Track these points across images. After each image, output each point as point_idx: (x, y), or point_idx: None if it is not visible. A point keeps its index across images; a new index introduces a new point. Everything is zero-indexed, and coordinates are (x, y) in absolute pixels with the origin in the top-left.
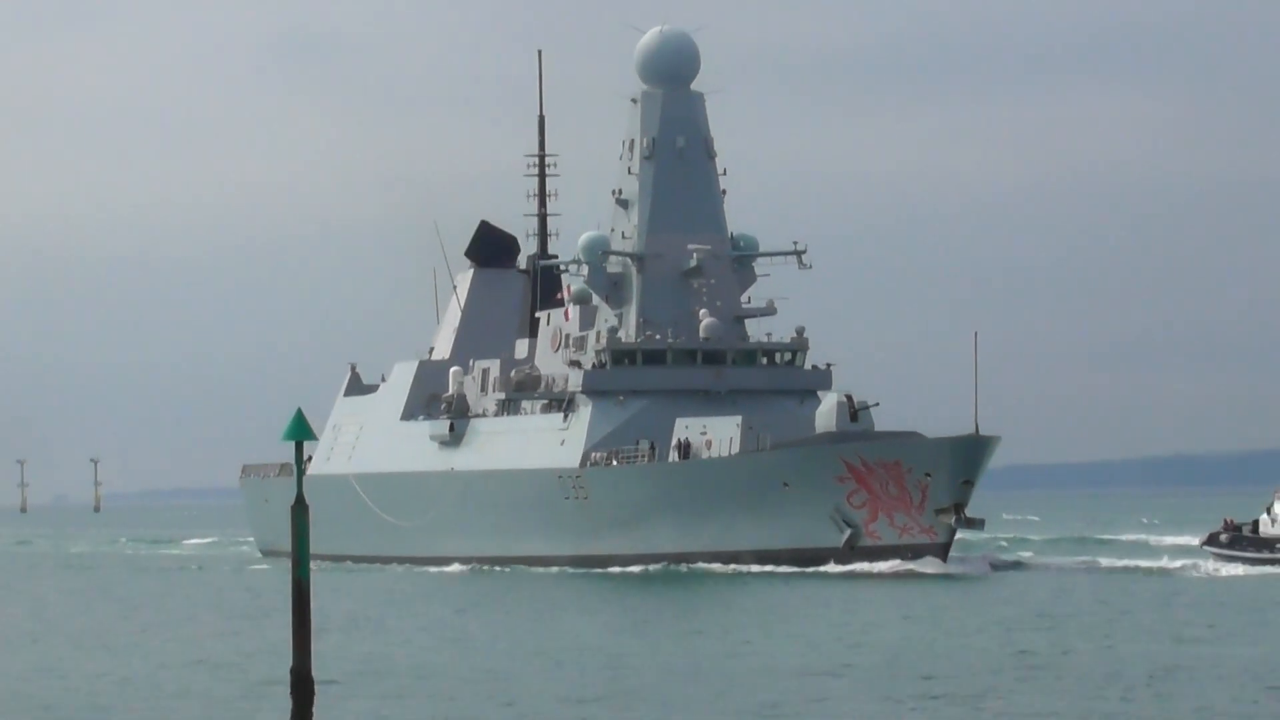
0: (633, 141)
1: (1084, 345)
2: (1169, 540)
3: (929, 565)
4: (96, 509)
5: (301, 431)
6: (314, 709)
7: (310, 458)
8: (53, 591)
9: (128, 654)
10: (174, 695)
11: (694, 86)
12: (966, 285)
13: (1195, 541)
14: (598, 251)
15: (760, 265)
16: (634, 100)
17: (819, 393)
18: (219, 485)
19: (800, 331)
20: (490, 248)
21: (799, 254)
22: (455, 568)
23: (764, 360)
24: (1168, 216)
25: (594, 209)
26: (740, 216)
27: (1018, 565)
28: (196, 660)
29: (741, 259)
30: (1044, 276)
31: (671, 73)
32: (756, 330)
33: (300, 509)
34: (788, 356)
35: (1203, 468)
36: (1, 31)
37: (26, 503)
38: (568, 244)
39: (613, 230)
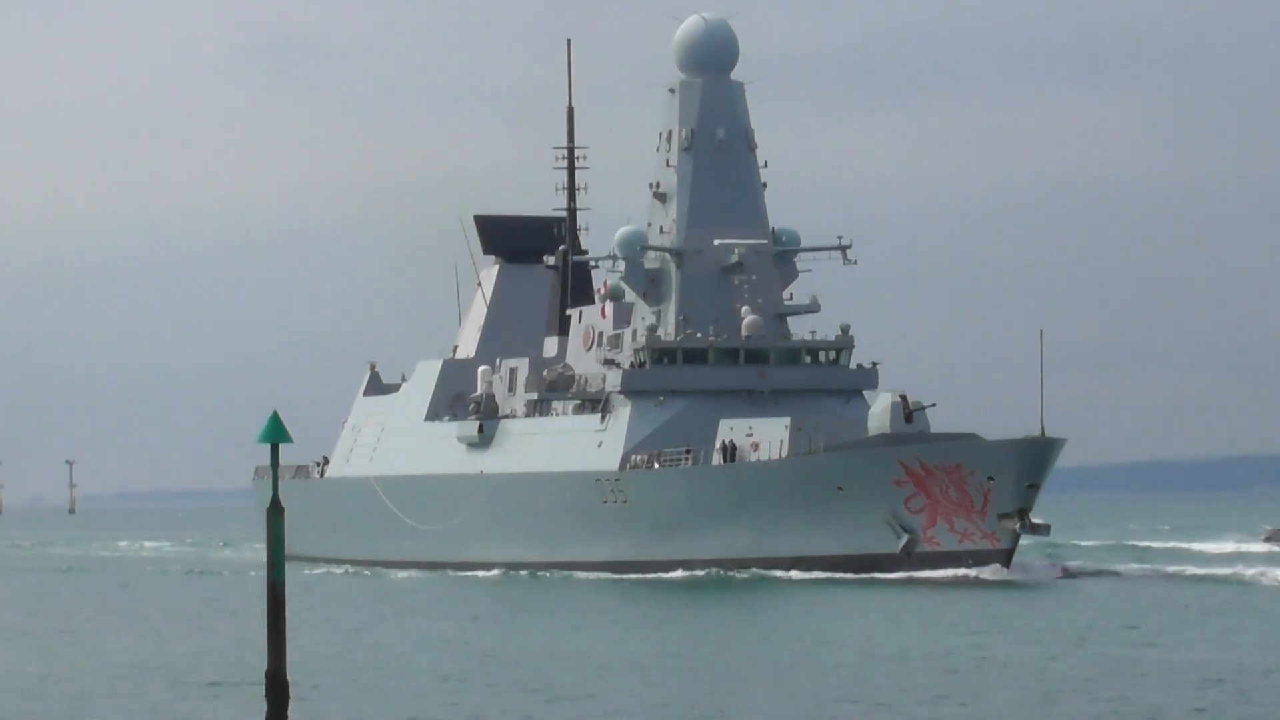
0: (670, 133)
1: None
2: (1225, 548)
3: (993, 572)
4: (72, 511)
5: (277, 434)
6: (289, 712)
7: (326, 459)
8: (108, 597)
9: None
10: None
11: (733, 76)
12: (1015, 282)
13: (1238, 547)
14: (635, 246)
15: (803, 261)
16: (671, 90)
17: (865, 392)
18: (198, 488)
19: (845, 329)
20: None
21: (843, 249)
22: (493, 572)
23: (807, 359)
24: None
25: (624, 202)
26: (782, 210)
27: (1099, 575)
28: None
29: (783, 254)
30: (1054, 274)
31: (711, 61)
32: (799, 328)
33: (275, 512)
34: (832, 355)
35: (1175, 473)
36: None
37: (2, 504)
38: (597, 239)
39: (649, 225)
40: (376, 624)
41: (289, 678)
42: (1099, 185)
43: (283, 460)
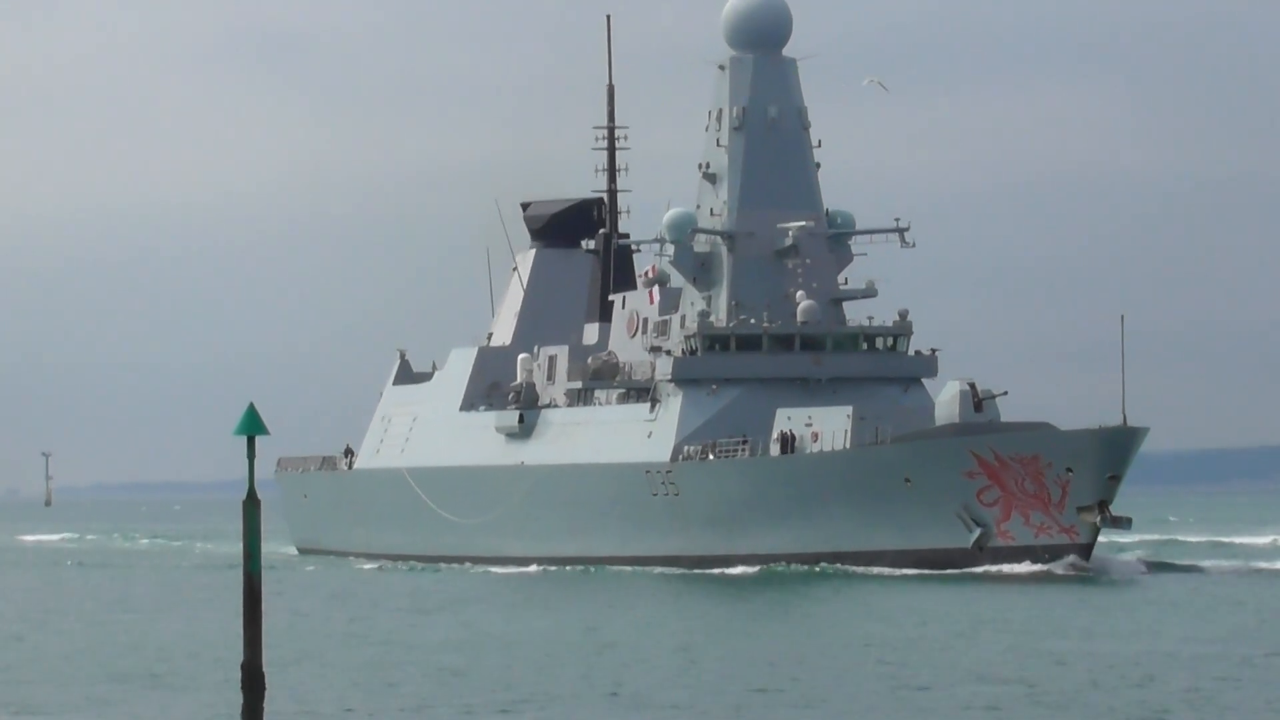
0: (720, 111)
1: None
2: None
3: (1070, 567)
4: (48, 503)
5: (254, 426)
6: (265, 704)
7: (351, 451)
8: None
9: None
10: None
11: (785, 52)
12: (1073, 268)
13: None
14: (685, 229)
15: (857, 244)
16: (721, 67)
17: (924, 380)
18: (176, 480)
19: (903, 315)
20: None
21: (901, 231)
22: (534, 568)
23: (864, 346)
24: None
25: (666, 184)
26: (835, 192)
27: (1189, 569)
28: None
29: (838, 237)
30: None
31: (763, 37)
32: (855, 313)
33: (251, 504)
34: (889, 342)
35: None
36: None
37: None
38: (639, 221)
39: (699, 206)
40: (387, 619)
41: (265, 669)
42: (1161, 173)
43: (307, 450)
